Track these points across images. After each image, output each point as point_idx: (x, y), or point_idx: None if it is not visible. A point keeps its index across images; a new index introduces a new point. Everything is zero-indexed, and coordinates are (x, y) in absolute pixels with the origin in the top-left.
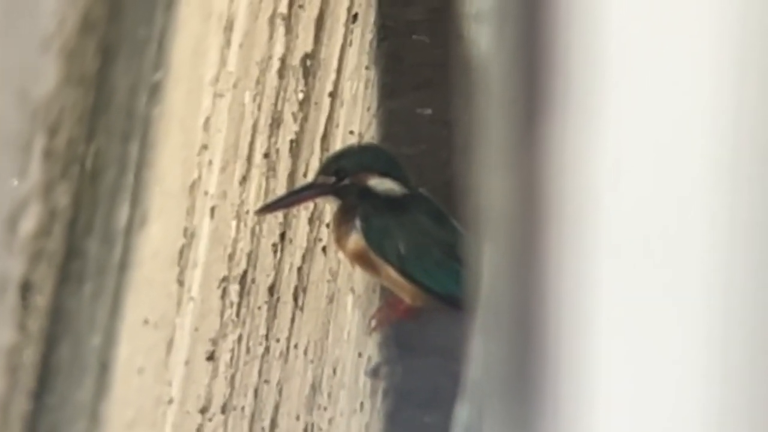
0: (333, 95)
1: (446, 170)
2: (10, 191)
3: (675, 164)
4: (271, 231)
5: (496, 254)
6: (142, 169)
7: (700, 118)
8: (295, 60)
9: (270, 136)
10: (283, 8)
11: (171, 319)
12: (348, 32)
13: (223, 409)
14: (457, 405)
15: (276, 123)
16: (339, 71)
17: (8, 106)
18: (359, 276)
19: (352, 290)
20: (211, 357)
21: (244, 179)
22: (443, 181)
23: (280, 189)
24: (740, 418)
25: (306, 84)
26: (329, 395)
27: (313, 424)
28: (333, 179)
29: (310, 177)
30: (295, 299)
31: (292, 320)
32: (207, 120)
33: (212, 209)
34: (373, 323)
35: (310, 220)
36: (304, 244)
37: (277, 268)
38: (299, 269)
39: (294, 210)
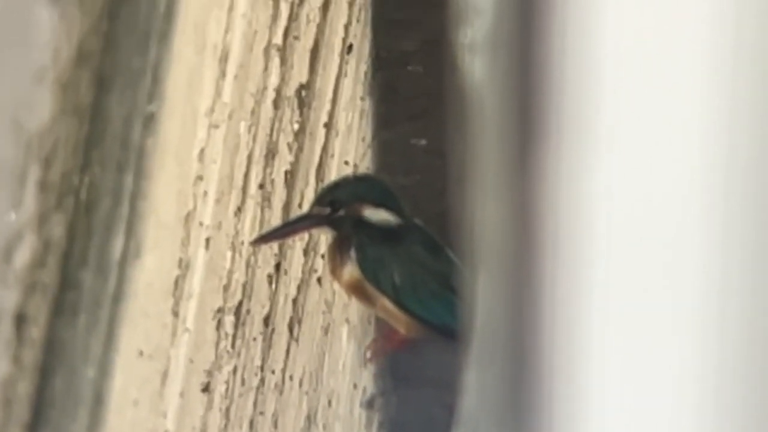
0: (328, 126)
1: (441, 200)
2: (4, 223)
3: (668, 194)
4: (266, 262)
5: (490, 284)
6: (136, 200)
7: (694, 147)
8: (290, 91)
9: (265, 167)
10: (278, 39)
11: (166, 350)
12: (343, 63)
13: None
14: None
15: (271, 154)
16: (334, 102)
17: (2, 138)
18: (354, 307)
19: (347, 321)
20: (206, 388)
21: (239, 210)
22: (438, 212)
23: (275, 220)
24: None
25: (301, 114)
26: (324, 427)
27: None
28: (328, 210)
29: (305, 208)
30: (291, 330)
31: (288, 351)
32: (202, 151)
33: (207, 240)
34: (368, 354)
35: (305, 251)
36: (300, 275)
37: (273, 299)
38: (294, 300)
39: (289, 241)
